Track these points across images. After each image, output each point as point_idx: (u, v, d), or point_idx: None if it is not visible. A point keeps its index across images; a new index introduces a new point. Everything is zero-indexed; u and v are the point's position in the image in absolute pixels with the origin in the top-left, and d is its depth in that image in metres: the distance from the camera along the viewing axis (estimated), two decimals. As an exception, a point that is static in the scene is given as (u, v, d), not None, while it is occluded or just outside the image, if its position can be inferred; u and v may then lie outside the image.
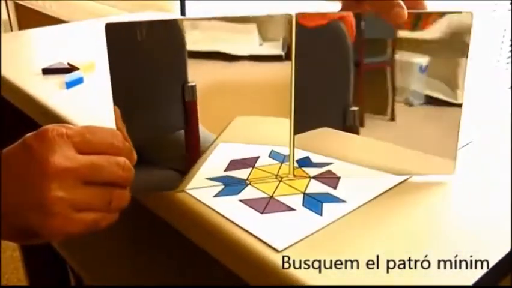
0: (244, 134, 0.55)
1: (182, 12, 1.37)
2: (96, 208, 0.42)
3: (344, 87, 0.53)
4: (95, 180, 0.42)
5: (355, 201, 0.51)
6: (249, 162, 0.55)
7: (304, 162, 0.55)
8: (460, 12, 0.49)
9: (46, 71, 0.87)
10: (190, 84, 0.50)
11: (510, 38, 1.04)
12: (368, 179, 0.54)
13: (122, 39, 0.47)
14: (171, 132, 0.53)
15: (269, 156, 0.56)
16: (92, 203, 0.42)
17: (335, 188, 0.53)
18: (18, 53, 1.06)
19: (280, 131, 0.54)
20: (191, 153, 0.54)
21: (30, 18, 2.30)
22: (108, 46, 0.46)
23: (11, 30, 2.46)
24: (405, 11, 0.48)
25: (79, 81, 0.83)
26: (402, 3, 0.48)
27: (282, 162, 0.55)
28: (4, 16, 2.44)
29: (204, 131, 0.53)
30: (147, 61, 0.50)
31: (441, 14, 0.50)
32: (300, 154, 0.55)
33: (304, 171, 0.55)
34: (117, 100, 0.48)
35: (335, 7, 0.53)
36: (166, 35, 0.49)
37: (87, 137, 0.42)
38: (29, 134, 0.42)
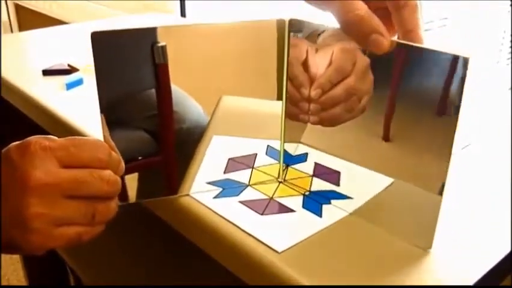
0: (237, 124, 0.53)
1: (183, 13, 1.36)
2: (78, 222, 0.42)
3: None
4: (77, 195, 0.41)
5: (354, 203, 0.50)
6: (248, 162, 0.55)
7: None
8: (458, 56, 0.39)
9: (46, 72, 0.88)
10: (160, 45, 0.47)
11: (510, 38, 1.04)
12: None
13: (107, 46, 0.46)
14: (141, 91, 0.51)
15: (266, 153, 0.55)
16: (74, 217, 0.41)
17: (338, 185, 0.52)
18: (18, 54, 1.06)
19: (272, 119, 0.53)
20: (162, 113, 0.51)
21: (30, 20, 2.30)
22: (94, 54, 0.46)
23: (11, 32, 2.46)
24: (386, 41, 0.41)
25: (79, 82, 0.83)
26: (383, 30, 0.41)
27: (279, 162, 0.55)
28: (4, 17, 2.44)
29: (177, 90, 0.50)
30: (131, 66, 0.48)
31: (435, 53, 0.41)
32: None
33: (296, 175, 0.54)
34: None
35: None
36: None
37: (71, 150, 0.41)
38: (13, 145, 0.41)
